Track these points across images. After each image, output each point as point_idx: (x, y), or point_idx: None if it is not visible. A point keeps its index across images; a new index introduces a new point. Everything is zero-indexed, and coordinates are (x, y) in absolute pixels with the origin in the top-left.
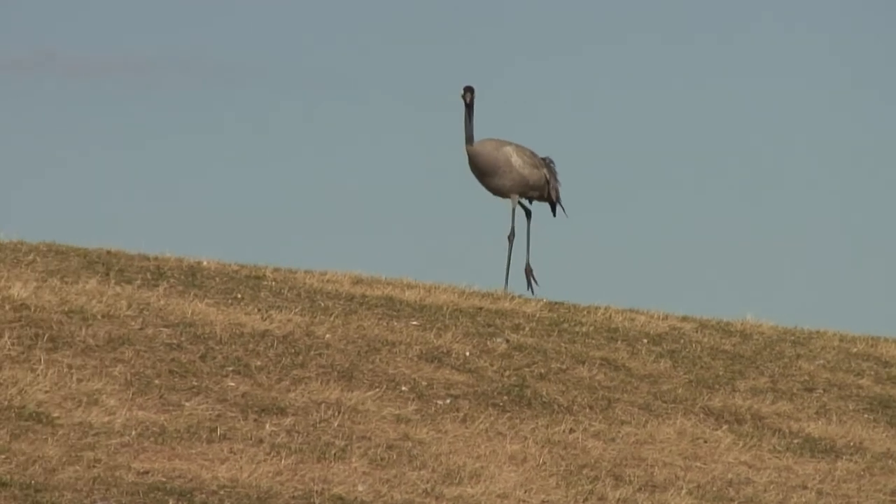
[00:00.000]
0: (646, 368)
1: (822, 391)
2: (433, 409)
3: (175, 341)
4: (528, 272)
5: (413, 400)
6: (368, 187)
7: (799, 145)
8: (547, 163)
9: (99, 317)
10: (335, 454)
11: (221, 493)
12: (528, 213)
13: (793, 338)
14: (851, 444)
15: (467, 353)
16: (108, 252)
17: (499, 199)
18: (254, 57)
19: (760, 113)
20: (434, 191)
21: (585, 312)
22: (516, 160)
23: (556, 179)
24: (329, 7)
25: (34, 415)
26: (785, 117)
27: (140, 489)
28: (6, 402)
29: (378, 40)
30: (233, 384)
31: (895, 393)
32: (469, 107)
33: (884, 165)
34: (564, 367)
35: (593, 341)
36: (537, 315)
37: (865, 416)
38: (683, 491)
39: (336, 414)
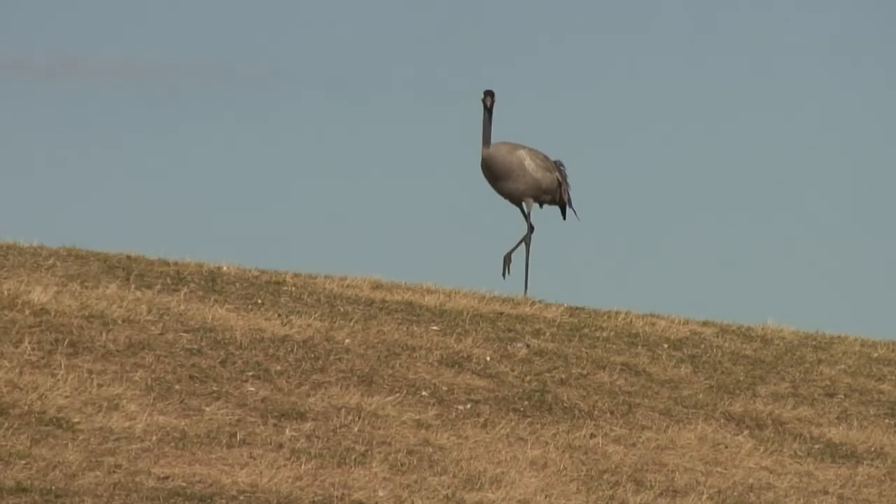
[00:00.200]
0: (666, 373)
1: (843, 396)
2: (453, 414)
3: (195, 346)
4: (507, 261)
5: (433, 405)
6: (389, 192)
7: (823, 149)
8: (558, 166)
9: (119, 322)
10: (355, 459)
11: (241, 498)
12: (531, 229)
13: (814, 343)
14: (872, 449)
15: (488, 358)
16: (129, 257)
17: (511, 204)
18: (275, 60)
19: (782, 115)
20: (454, 195)
21: (606, 317)
22: (529, 163)
23: (566, 182)
24: (347, 9)
25: (54, 420)
26: (806, 120)
27: (160, 494)
28: (26, 408)
29: (394, 44)
30: (253, 389)
31: None
32: (489, 110)
33: None
34: (585, 372)
35: (614, 346)
36: (558, 320)
37: (886, 421)
38: (704, 496)
39: (356, 419)
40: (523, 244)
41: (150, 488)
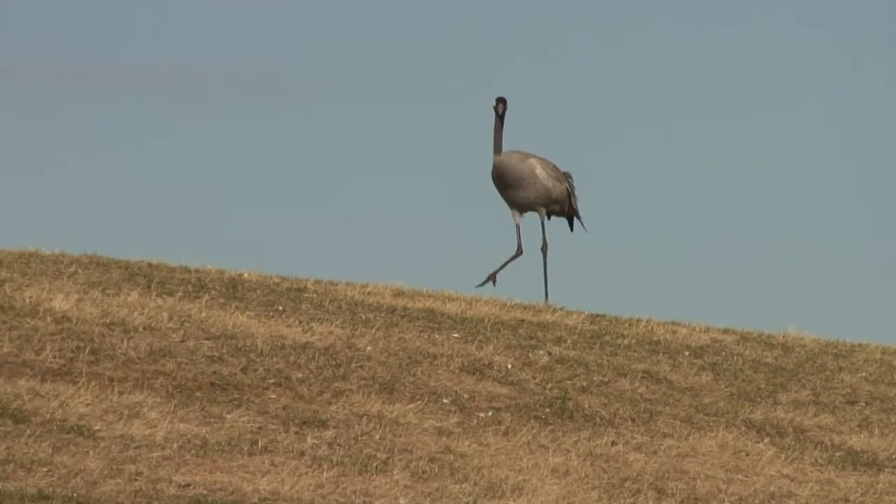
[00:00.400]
0: (687, 381)
1: (864, 404)
2: (475, 421)
3: (216, 354)
4: (491, 278)
5: (455, 412)
6: (411, 198)
7: (846, 156)
8: (567, 177)
9: (140, 329)
10: (377, 467)
11: None
12: (520, 252)
13: (835, 350)
14: (894, 456)
15: (509, 366)
16: (150, 264)
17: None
18: (296, 64)
19: (803, 120)
20: (478, 202)
21: (627, 325)
22: (541, 172)
23: (574, 194)
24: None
25: (75, 427)
26: (828, 125)
27: (181, 502)
28: (48, 415)
29: (415, 50)
30: (274, 396)
31: None
32: (500, 117)
33: None
34: (606, 379)
35: (635, 354)
36: (579, 328)
37: None
38: (726, 503)
39: (377, 426)
40: (503, 265)
41: (171, 496)
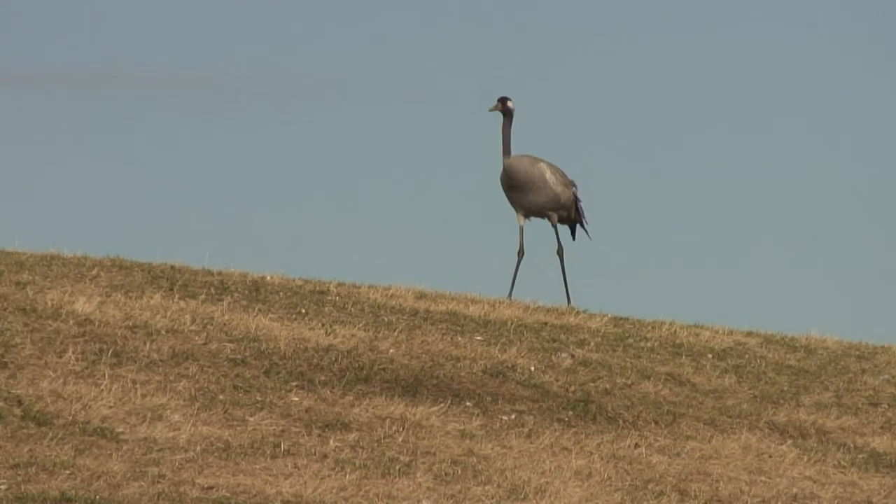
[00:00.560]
0: (711, 383)
1: (886, 406)
2: (498, 424)
3: (239, 356)
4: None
5: (478, 415)
6: (434, 201)
7: (866, 160)
8: (571, 184)
9: (163, 332)
10: (400, 469)
11: None
12: (522, 254)
13: (857, 353)
14: None
15: (532, 369)
16: (172, 267)
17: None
18: (316, 68)
19: (823, 124)
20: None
21: (650, 328)
22: (550, 177)
23: (579, 201)
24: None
25: (98, 430)
26: (852, 130)
27: None
28: (71, 418)
29: (433, 49)
30: (297, 399)
31: None
32: (507, 117)
33: None
34: (629, 382)
35: (658, 356)
36: (602, 330)
37: None
38: None
39: (400, 429)
40: (520, 268)
41: (193, 499)
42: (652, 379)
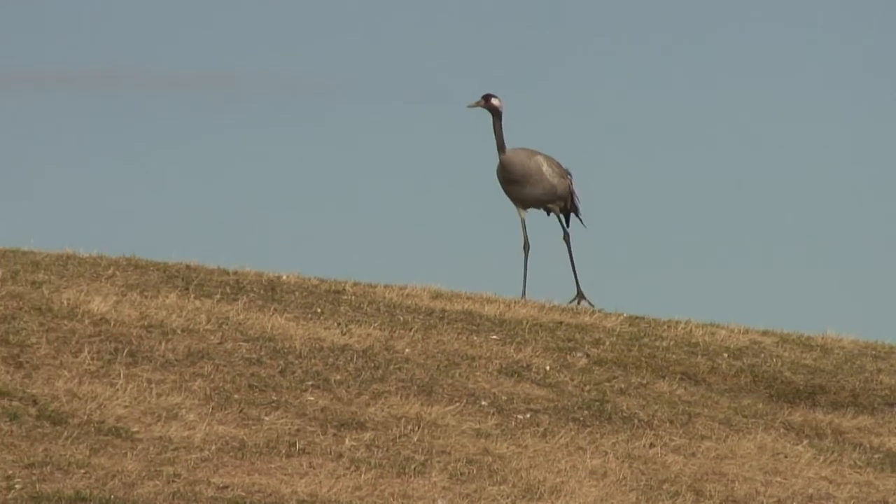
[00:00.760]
0: (726, 383)
1: None
2: (513, 423)
3: (254, 356)
4: (582, 296)
5: (493, 414)
6: (449, 201)
7: (883, 158)
8: (567, 174)
9: (178, 331)
10: (415, 469)
11: None
12: (527, 246)
13: (873, 352)
14: None
15: (547, 368)
16: (188, 266)
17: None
18: (333, 67)
19: (841, 121)
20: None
21: (666, 327)
22: (547, 169)
23: (574, 191)
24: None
25: (113, 429)
26: (867, 127)
27: None
28: (86, 417)
29: (441, 50)
30: (312, 398)
31: None
32: (496, 114)
33: None
34: (645, 381)
35: (673, 356)
36: (617, 329)
37: None
38: None
39: (416, 429)
40: (572, 250)
41: (209, 498)
42: (667, 378)
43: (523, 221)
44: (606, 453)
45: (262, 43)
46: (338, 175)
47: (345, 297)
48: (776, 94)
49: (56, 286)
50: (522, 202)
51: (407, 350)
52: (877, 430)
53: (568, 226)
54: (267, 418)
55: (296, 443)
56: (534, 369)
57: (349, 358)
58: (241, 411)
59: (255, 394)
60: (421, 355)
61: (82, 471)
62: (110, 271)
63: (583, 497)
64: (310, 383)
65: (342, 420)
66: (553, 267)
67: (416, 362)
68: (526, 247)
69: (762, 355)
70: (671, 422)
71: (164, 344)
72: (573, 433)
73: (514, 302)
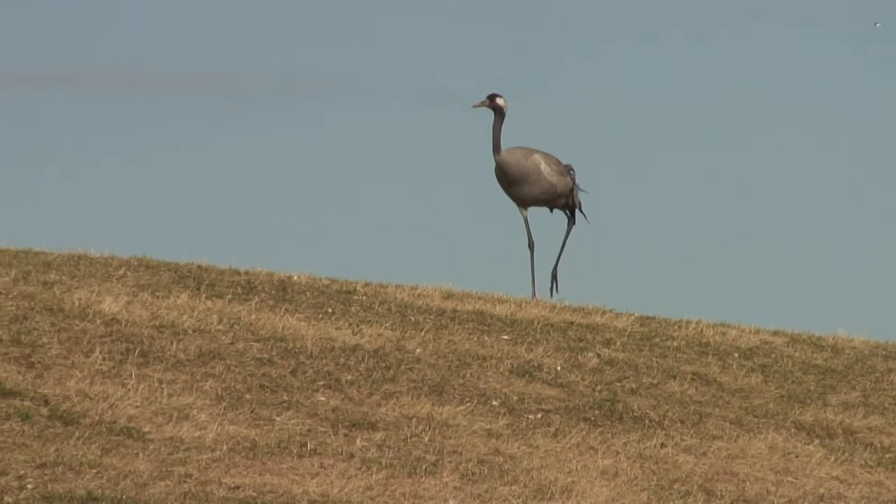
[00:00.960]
0: (737, 383)
1: None
2: (524, 423)
3: (266, 356)
4: (554, 277)
5: (504, 415)
6: (460, 201)
7: (892, 159)
8: (569, 170)
9: (190, 331)
10: (426, 469)
11: None
12: (532, 244)
13: (884, 352)
14: None
15: (558, 368)
16: (199, 266)
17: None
18: (342, 67)
19: (849, 121)
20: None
21: (677, 327)
22: (545, 168)
23: (577, 187)
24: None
25: (125, 429)
26: (873, 127)
27: None
28: (97, 417)
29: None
30: (323, 399)
31: None
32: (498, 114)
33: None
34: (656, 381)
35: (684, 356)
36: (628, 330)
37: None
38: None
39: (427, 429)
40: (568, 235)
41: (220, 498)
42: (678, 378)
43: (526, 220)
44: (618, 453)
45: (264, 43)
46: (349, 175)
47: (356, 298)
48: (777, 94)
49: (67, 286)
50: (522, 201)
51: (418, 350)
52: (888, 430)
53: (574, 221)
54: (278, 418)
55: (307, 443)
56: (545, 369)
57: (360, 358)
58: (252, 411)
59: (267, 394)
60: (432, 355)
61: (94, 471)
62: (121, 272)
63: (594, 497)
64: (321, 383)
65: (353, 420)
66: (563, 266)
67: (428, 362)
68: (531, 245)
69: (773, 355)
70: (682, 422)
71: (175, 344)
72: (584, 433)
73: (526, 302)
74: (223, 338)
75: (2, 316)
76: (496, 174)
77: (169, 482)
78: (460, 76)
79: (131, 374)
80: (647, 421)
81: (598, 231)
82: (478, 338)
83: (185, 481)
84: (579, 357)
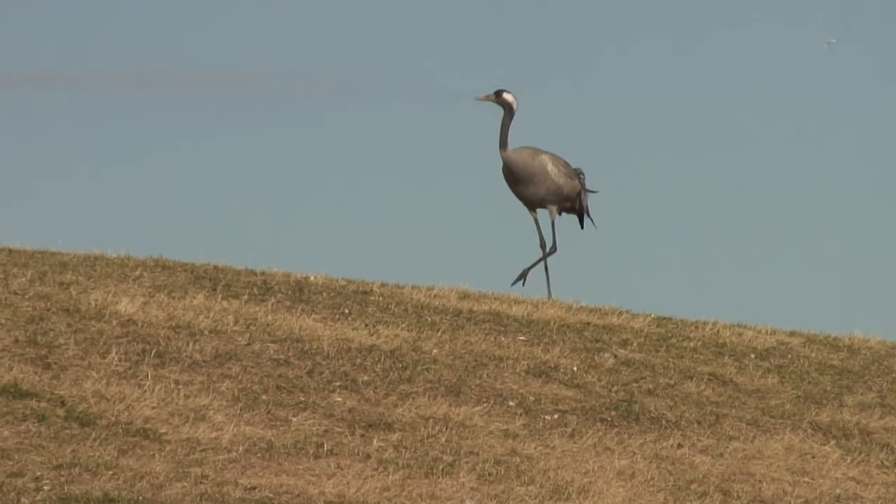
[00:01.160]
0: (753, 383)
1: None
2: (541, 424)
3: (282, 356)
4: (523, 275)
5: (521, 415)
6: (477, 202)
7: None
8: (578, 174)
9: (206, 332)
10: (443, 469)
11: None
12: (544, 244)
13: None
14: None
15: (575, 369)
16: (216, 267)
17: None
18: (358, 68)
19: (864, 120)
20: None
21: (693, 327)
22: (552, 169)
23: (586, 191)
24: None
25: (141, 431)
26: (883, 130)
27: None
28: (114, 418)
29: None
30: (340, 399)
31: None
32: (507, 110)
33: None
34: (672, 382)
35: (701, 356)
36: (645, 330)
37: None
38: None
39: (444, 429)
40: (542, 262)
41: (236, 499)
42: (695, 379)
43: (536, 221)
44: (634, 454)
45: (273, 42)
46: (366, 176)
47: (372, 298)
48: (779, 94)
49: (84, 287)
50: (528, 202)
51: (434, 351)
52: None
53: (582, 227)
54: (295, 419)
55: (323, 444)
56: (561, 370)
57: (377, 359)
58: (268, 412)
59: (283, 395)
60: (448, 356)
61: (110, 472)
62: (138, 272)
63: (610, 498)
64: (337, 384)
65: (370, 421)
66: (579, 267)
67: (444, 363)
68: (542, 245)
69: (789, 356)
70: (699, 422)
71: (191, 345)
72: (601, 434)
73: (542, 302)
74: (239, 338)
75: (18, 317)
76: (503, 172)
77: (185, 483)
78: (460, 76)
79: (147, 375)
80: (663, 422)
81: (615, 232)
82: (494, 338)
83: (201, 482)
84: (596, 358)
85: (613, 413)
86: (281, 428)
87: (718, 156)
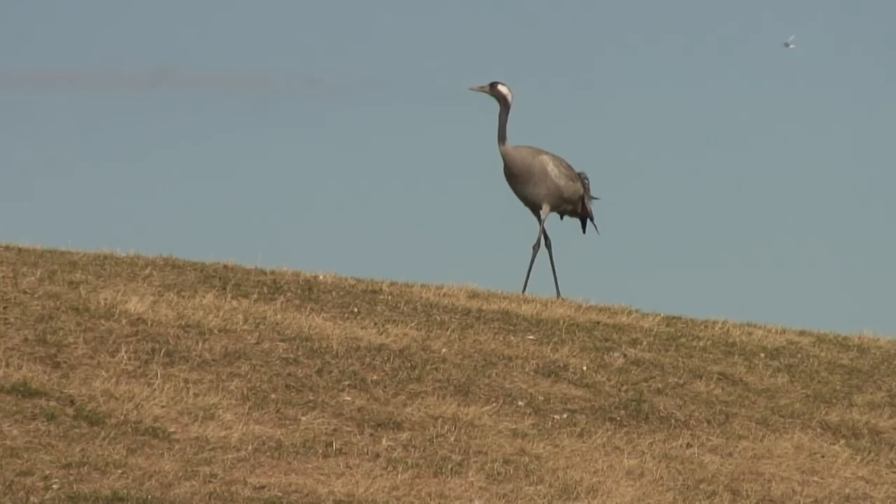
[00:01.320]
0: (763, 383)
1: None
2: (550, 423)
3: (291, 356)
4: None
5: (530, 414)
6: (486, 200)
7: None
8: (582, 178)
9: (215, 331)
10: (452, 469)
11: None
12: (549, 243)
13: None
14: None
15: (584, 368)
16: (225, 266)
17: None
18: (361, 69)
19: (873, 121)
20: None
21: (703, 327)
22: (552, 169)
23: (589, 195)
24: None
25: (150, 429)
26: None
27: None
28: (123, 417)
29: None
30: (349, 398)
31: None
32: (502, 103)
33: None
34: (682, 381)
35: (710, 356)
36: (654, 329)
37: None
38: None
39: (452, 428)
40: (535, 259)
41: (245, 498)
42: (704, 378)
43: (542, 221)
44: (643, 453)
45: (285, 43)
46: (376, 175)
47: (381, 297)
48: (780, 93)
49: (93, 286)
50: (526, 201)
51: (444, 350)
52: None
53: (584, 232)
54: (304, 418)
55: (332, 443)
56: (571, 369)
57: (386, 358)
58: (277, 411)
59: (292, 394)
60: (458, 355)
61: (119, 471)
62: (147, 271)
63: (620, 497)
64: (346, 383)
65: (379, 420)
66: (588, 266)
67: (453, 362)
68: (548, 244)
69: (799, 355)
70: (708, 422)
71: (201, 344)
72: (610, 433)
73: (551, 302)
74: (249, 337)
75: (28, 315)
76: (503, 169)
77: (194, 482)
78: (460, 76)
79: (157, 374)
80: (672, 421)
81: (625, 231)
82: (503, 337)
83: (210, 481)
84: (605, 357)
85: (623, 412)
86: (290, 427)
87: (729, 155)
